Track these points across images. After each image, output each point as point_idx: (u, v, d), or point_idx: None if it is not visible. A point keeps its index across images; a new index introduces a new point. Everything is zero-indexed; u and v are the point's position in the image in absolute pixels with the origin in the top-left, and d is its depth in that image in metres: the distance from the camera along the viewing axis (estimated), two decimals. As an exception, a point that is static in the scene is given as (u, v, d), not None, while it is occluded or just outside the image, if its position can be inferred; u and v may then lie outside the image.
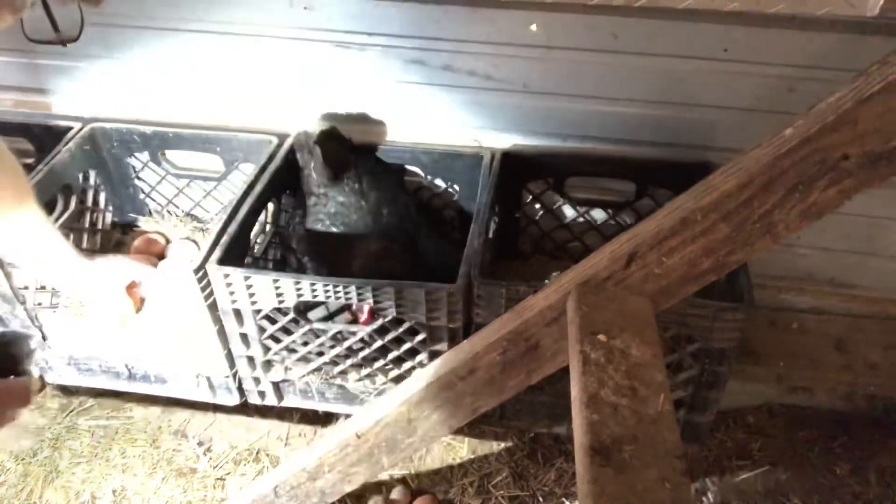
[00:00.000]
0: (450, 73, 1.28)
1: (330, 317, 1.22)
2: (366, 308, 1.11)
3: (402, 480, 1.36)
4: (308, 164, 1.28)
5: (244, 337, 1.18)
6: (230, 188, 1.46)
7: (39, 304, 1.31)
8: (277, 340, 1.17)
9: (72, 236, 1.40)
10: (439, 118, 1.36)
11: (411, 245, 1.26)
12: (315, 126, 1.36)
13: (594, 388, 0.72)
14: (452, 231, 1.44)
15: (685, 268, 0.82)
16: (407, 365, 1.17)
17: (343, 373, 1.21)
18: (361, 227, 1.25)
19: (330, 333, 1.14)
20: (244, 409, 1.48)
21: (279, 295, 1.09)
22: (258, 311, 1.13)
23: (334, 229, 1.25)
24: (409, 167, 1.40)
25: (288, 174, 1.33)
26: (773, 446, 1.41)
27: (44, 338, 1.27)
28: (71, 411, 1.52)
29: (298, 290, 1.07)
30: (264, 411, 1.49)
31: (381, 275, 1.09)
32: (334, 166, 1.28)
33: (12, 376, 0.69)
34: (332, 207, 1.28)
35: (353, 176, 1.28)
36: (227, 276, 1.08)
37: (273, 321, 1.14)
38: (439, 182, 1.42)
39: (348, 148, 1.34)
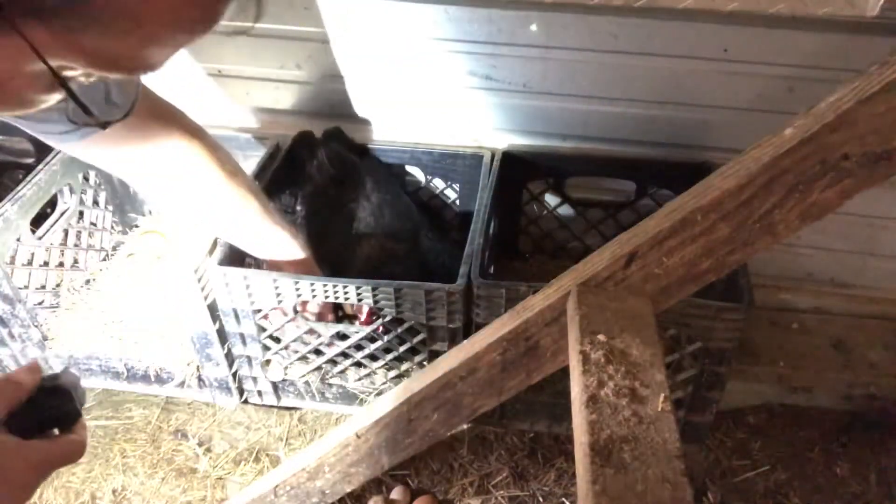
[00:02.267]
0: (450, 73, 1.28)
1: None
2: (365, 308, 1.11)
3: (402, 480, 1.36)
4: (311, 164, 1.28)
5: (243, 337, 1.18)
6: (230, 188, 1.46)
7: (40, 303, 1.31)
8: (277, 340, 1.17)
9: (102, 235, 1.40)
10: (439, 118, 1.36)
11: (412, 246, 1.26)
12: (317, 126, 1.36)
13: (594, 388, 0.72)
14: (452, 231, 1.44)
15: (685, 268, 0.82)
16: (407, 365, 1.17)
17: (343, 372, 1.21)
18: (363, 227, 1.25)
19: (329, 333, 1.14)
20: (244, 409, 1.48)
21: (278, 295, 1.09)
22: (257, 311, 1.13)
23: (336, 230, 1.25)
24: (408, 167, 1.40)
25: (288, 174, 1.33)
26: (773, 446, 1.41)
27: (44, 338, 1.27)
28: (71, 411, 1.52)
29: (297, 290, 1.07)
30: (264, 411, 1.49)
31: (383, 275, 1.08)
32: (338, 167, 1.28)
33: (57, 430, 0.64)
34: (334, 208, 1.27)
35: (355, 176, 1.28)
36: (226, 275, 1.08)
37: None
38: (439, 182, 1.42)
39: (351, 148, 1.34)
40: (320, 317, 1.14)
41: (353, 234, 1.25)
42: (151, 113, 0.91)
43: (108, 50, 0.43)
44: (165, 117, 0.95)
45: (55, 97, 0.49)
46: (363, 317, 1.14)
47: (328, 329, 1.13)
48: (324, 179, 1.28)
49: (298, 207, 1.33)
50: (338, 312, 1.17)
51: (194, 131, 0.98)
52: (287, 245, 1.09)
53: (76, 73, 0.46)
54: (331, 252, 1.25)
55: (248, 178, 1.07)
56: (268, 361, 1.22)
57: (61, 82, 0.45)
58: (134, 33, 0.42)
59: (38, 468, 0.60)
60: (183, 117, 0.98)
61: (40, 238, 1.29)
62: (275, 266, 1.11)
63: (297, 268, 1.10)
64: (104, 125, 0.53)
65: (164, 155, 0.95)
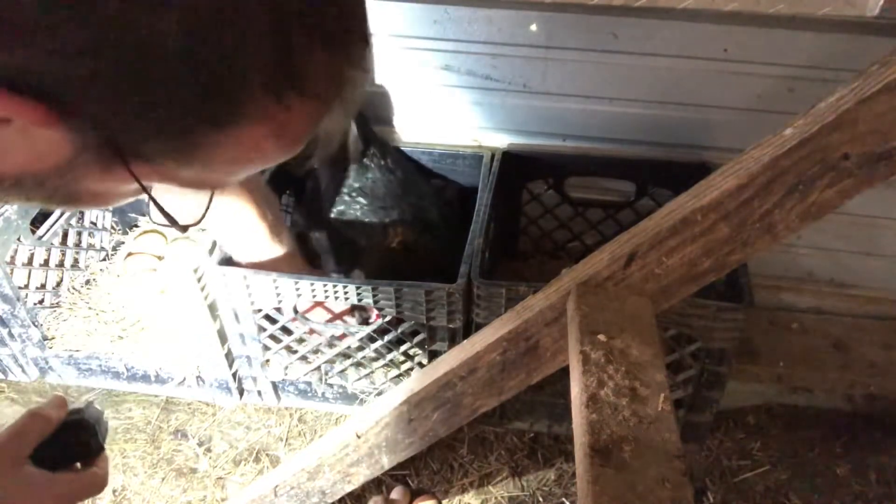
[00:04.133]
0: (450, 73, 1.28)
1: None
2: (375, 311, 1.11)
3: (402, 480, 1.36)
4: (328, 142, 1.27)
5: (243, 336, 1.18)
6: (230, 188, 1.46)
7: (40, 303, 1.31)
8: (277, 340, 1.17)
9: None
10: (439, 118, 1.36)
11: (441, 233, 1.26)
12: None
13: (594, 388, 0.72)
14: (452, 231, 1.44)
15: (685, 268, 0.82)
16: (407, 365, 1.17)
17: (343, 372, 1.21)
18: (390, 202, 1.24)
19: (329, 333, 1.14)
20: (244, 409, 1.48)
21: (278, 295, 1.09)
22: (257, 311, 1.13)
23: (361, 199, 1.24)
24: (409, 167, 1.40)
25: (288, 174, 1.33)
26: (773, 446, 1.41)
27: (44, 338, 1.27)
28: (71, 411, 1.52)
29: (297, 290, 1.07)
30: (264, 411, 1.49)
31: (408, 265, 1.08)
32: (366, 140, 1.28)
33: (79, 463, 0.68)
34: (357, 182, 1.27)
35: (377, 152, 1.28)
36: (226, 275, 1.08)
37: (273, 320, 1.14)
38: (439, 182, 1.41)
39: (369, 131, 1.34)
40: (339, 316, 1.15)
41: (379, 223, 1.24)
42: None
43: (198, 179, 0.48)
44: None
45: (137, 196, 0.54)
46: (374, 316, 1.14)
47: (328, 329, 1.13)
48: (354, 154, 1.27)
49: (313, 198, 1.32)
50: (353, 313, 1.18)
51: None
52: (277, 251, 1.13)
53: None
54: (348, 243, 1.25)
55: (274, 200, 1.12)
56: (268, 361, 1.22)
57: (153, 200, 0.50)
58: (224, 169, 0.48)
59: (63, 501, 0.63)
60: None
61: (40, 238, 1.29)
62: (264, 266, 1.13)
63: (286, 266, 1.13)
64: (184, 229, 0.57)
65: (221, 208, 1.02)
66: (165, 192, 0.52)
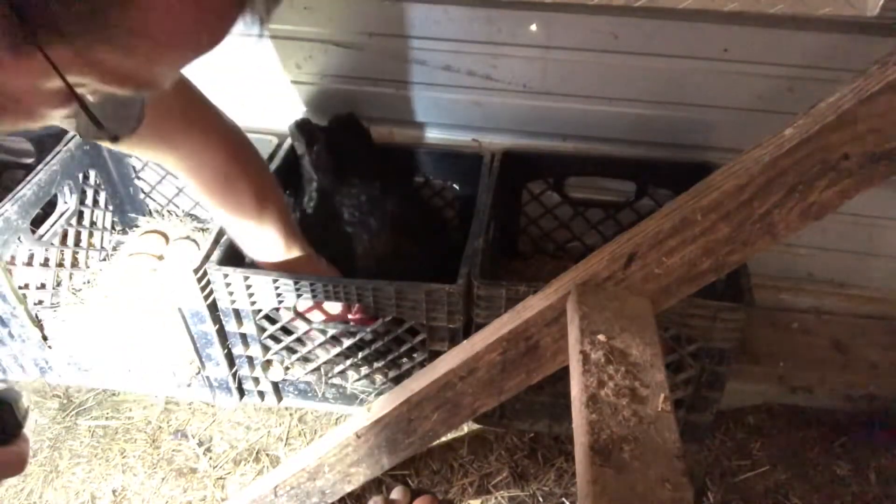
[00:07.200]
0: (450, 73, 1.28)
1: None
2: (355, 305, 1.11)
3: (402, 480, 1.36)
4: (310, 151, 1.28)
5: (244, 337, 1.18)
6: (230, 188, 1.46)
7: (40, 302, 1.31)
8: (277, 340, 1.17)
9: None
10: (439, 118, 1.36)
11: (421, 243, 1.25)
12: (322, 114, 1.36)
13: (594, 388, 0.72)
14: (452, 231, 1.44)
15: (685, 268, 0.82)
16: (407, 365, 1.17)
17: (343, 373, 1.21)
18: (362, 213, 1.24)
19: (330, 333, 1.14)
20: (244, 409, 1.48)
21: (279, 295, 1.09)
22: (258, 311, 1.13)
23: (334, 210, 1.24)
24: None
25: (288, 174, 1.32)
26: (773, 446, 1.41)
27: (44, 338, 1.27)
28: (71, 411, 1.52)
29: (298, 290, 1.07)
30: (264, 411, 1.49)
31: (393, 273, 1.08)
32: (337, 154, 1.27)
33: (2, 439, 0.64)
34: (330, 191, 1.27)
35: (357, 163, 1.28)
36: (226, 276, 1.08)
37: (273, 321, 1.14)
38: (439, 182, 1.42)
39: (360, 136, 1.33)
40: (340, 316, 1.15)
41: (362, 232, 1.24)
42: (184, 115, 0.92)
43: (122, 67, 0.45)
44: (197, 120, 0.95)
45: (63, 112, 0.50)
46: (353, 312, 1.13)
47: (328, 329, 1.13)
48: (322, 165, 1.27)
49: (304, 203, 1.32)
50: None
51: (225, 135, 1.00)
52: (279, 247, 1.09)
53: (85, 91, 0.48)
54: (341, 248, 1.25)
55: (262, 178, 1.07)
56: (268, 362, 1.22)
57: (77, 98, 0.46)
58: (146, 52, 0.45)
59: None
60: (218, 121, 0.99)
61: (40, 238, 1.29)
62: (273, 267, 1.11)
63: (294, 268, 1.10)
64: (115, 139, 0.54)
65: (181, 153, 0.96)
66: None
